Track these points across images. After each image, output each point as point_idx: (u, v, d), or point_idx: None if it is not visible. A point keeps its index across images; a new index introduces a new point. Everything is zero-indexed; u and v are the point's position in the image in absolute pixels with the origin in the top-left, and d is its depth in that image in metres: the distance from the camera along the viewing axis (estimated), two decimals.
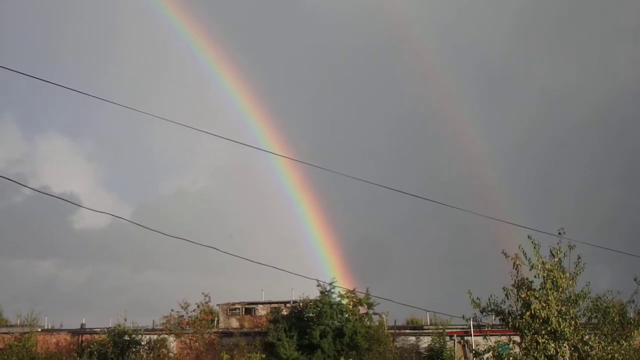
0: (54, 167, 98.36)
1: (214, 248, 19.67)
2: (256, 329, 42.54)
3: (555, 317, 17.01)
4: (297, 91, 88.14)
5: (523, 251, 17.86)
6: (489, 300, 18.35)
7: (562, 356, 17.42)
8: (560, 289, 17.40)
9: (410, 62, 70.56)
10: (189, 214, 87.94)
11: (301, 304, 39.89)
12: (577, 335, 17.38)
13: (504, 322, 18.62)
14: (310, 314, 38.71)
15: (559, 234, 17.82)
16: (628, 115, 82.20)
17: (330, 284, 38.49)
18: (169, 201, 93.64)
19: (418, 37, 64.79)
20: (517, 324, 17.85)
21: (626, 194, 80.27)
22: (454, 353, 39.40)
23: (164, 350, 39.30)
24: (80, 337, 43.60)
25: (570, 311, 17.32)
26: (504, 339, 19.78)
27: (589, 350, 17.40)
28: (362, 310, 39.80)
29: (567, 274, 17.55)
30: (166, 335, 40.80)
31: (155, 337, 41.01)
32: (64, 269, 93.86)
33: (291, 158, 38.12)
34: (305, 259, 55.94)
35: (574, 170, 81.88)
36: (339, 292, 38.90)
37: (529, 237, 17.97)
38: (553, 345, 17.32)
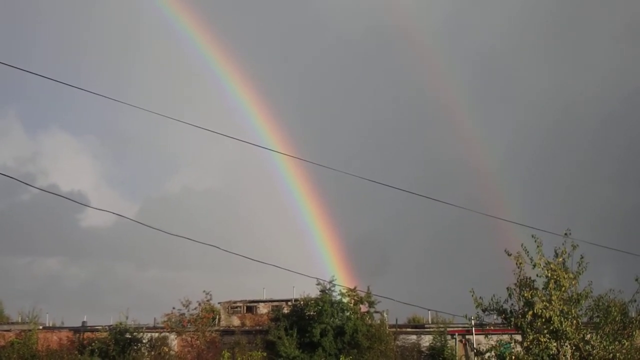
0: (61, 165, 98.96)
1: (215, 246, 19.66)
2: (257, 327, 42.55)
3: (558, 316, 17.00)
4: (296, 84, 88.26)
5: (525, 250, 17.86)
6: (492, 299, 18.35)
7: (564, 355, 17.43)
8: (563, 289, 17.40)
9: None
10: (195, 211, 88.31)
11: (302, 302, 39.88)
12: (578, 335, 17.40)
13: (506, 321, 18.62)
14: (311, 313, 38.71)
15: (565, 234, 17.81)
16: None
17: (331, 282, 38.53)
18: (175, 198, 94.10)
19: None
20: (519, 323, 17.85)
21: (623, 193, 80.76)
22: (455, 352, 39.42)
23: (165, 348, 39.28)
24: (81, 334, 43.58)
25: (572, 310, 17.31)
26: (506, 337, 19.79)
27: (590, 349, 17.42)
28: (363, 308, 39.80)
29: (570, 274, 17.55)
30: (167, 333, 40.80)
31: (156, 335, 41.01)
32: (69, 266, 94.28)
33: (291, 155, 38.16)
34: (308, 256, 56.06)
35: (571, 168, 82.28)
36: (340, 290, 38.93)
37: (533, 236, 17.97)
38: (555, 344, 17.35)
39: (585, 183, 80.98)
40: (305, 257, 56.31)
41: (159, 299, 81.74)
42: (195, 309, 40.36)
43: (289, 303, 42.79)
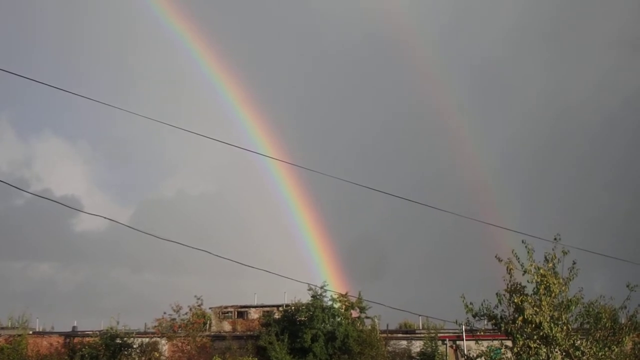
0: (55, 170, 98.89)
1: (205, 251, 19.63)
2: (248, 333, 42.49)
3: (548, 322, 17.03)
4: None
5: (516, 256, 17.88)
6: (482, 305, 18.35)
7: None
8: (553, 294, 17.42)
9: None
10: (189, 215, 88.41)
11: (293, 307, 39.86)
12: (568, 341, 17.40)
13: (496, 327, 18.63)
14: (302, 318, 38.69)
15: (555, 239, 17.84)
16: None
17: (322, 287, 38.53)
18: (169, 202, 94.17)
19: None
20: (509, 329, 17.86)
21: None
22: (446, 357, 39.44)
23: (155, 353, 39.21)
24: (71, 339, 43.42)
25: (563, 316, 17.35)
26: (496, 343, 19.79)
27: (580, 355, 17.42)
28: (355, 313, 39.80)
29: (560, 279, 17.59)
30: (158, 339, 40.71)
31: (147, 340, 40.91)
32: (64, 270, 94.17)
33: (286, 162, 38.16)
34: (301, 261, 56.10)
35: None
36: (331, 295, 38.95)
37: (523, 242, 17.99)
38: (545, 350, 17.35)
39: (580, 189, 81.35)
40: (299, 262, 56.43)
41: (153, 302, 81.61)
42: (186, 314, 40.33)
43: (280, 308, 42.75)
